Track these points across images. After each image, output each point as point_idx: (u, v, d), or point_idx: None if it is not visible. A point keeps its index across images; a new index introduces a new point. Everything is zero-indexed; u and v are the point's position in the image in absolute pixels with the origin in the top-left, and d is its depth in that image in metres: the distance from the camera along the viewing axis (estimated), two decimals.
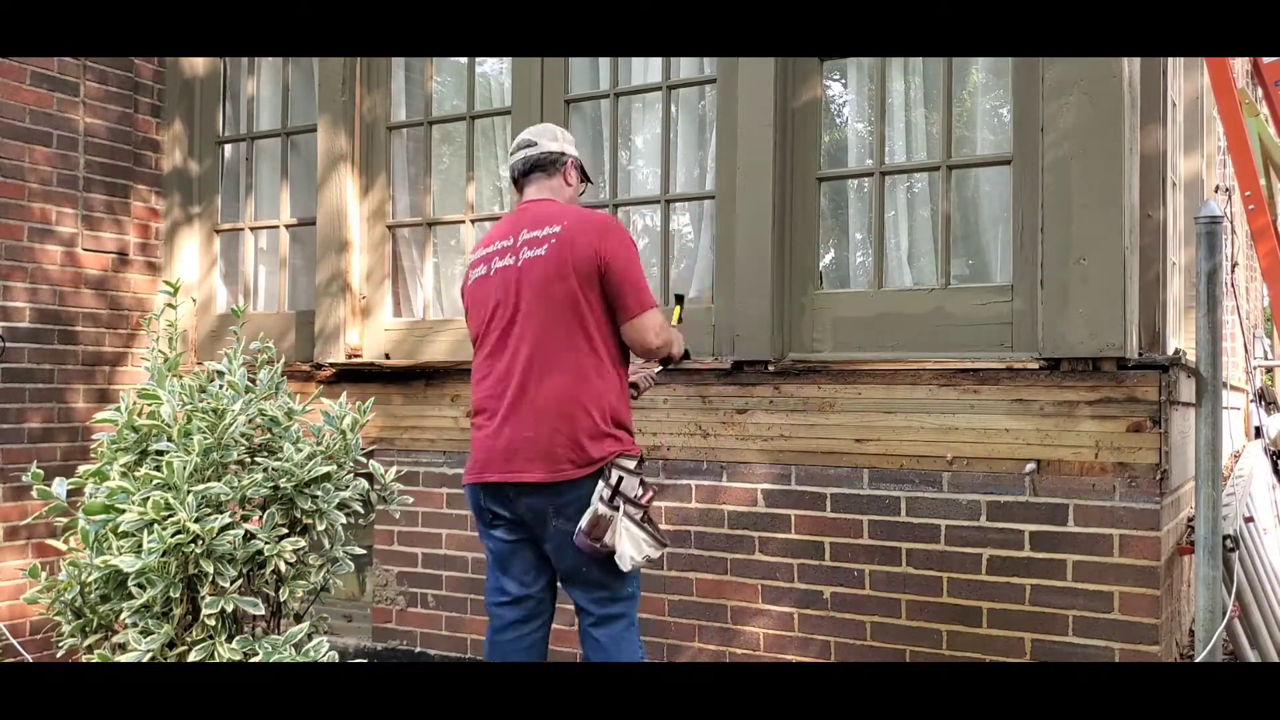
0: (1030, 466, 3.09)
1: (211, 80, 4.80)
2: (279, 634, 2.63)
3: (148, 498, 2.47)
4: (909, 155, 3.60)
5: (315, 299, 4.38)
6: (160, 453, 2.64)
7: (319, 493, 2.81)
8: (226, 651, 2.51)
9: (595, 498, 2.64)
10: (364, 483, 2.98)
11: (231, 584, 2.52)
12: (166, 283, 3.13)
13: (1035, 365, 3.10)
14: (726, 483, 3.56)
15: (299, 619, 2.88)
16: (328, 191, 4.35)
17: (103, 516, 2.54)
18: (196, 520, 2.48)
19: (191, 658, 2.51)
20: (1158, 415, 2.96)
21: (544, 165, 2.89)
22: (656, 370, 3.12)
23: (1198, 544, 2.98)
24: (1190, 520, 3.21)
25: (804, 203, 3.55)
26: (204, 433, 2.65)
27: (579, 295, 2.69)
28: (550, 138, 2.93)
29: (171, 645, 2.57)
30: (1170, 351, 3.46)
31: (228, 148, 4.83)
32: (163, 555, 2.44)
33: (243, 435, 2.76)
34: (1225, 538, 3.07)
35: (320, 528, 2.82)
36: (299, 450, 2.80)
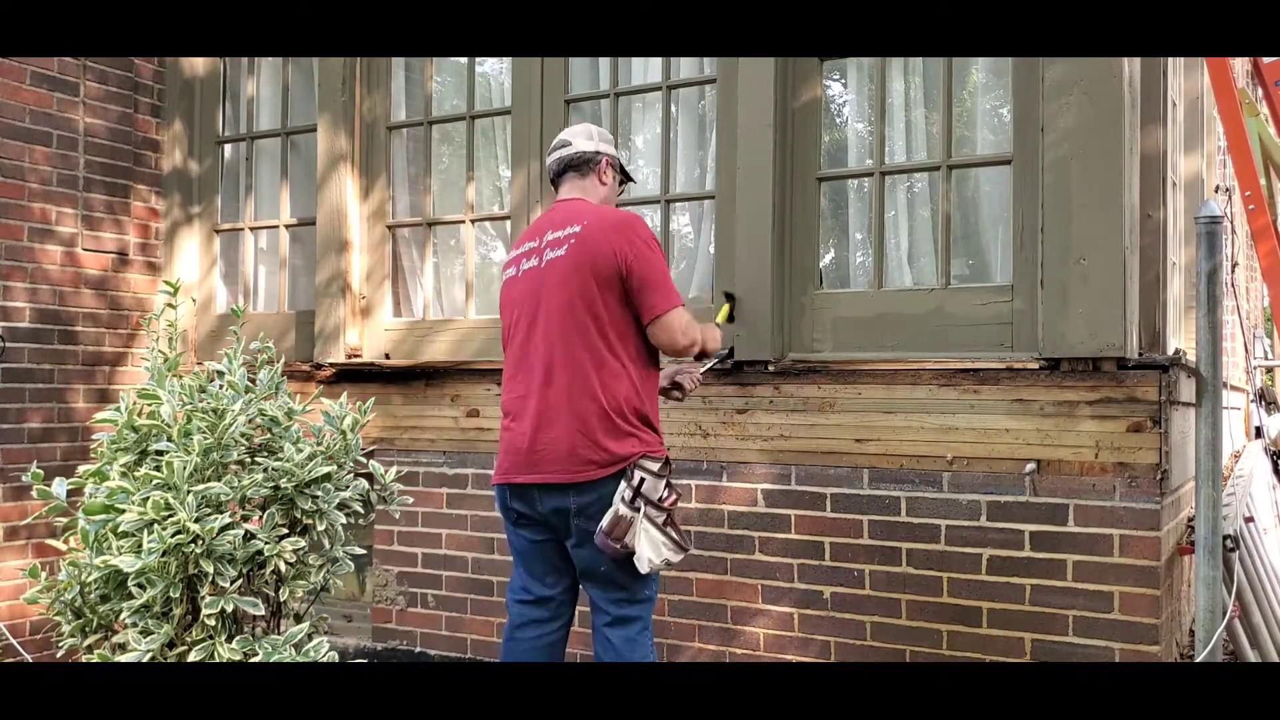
0: (1030, 466, 3.09)
1: (211, 80, 4.80)
2: (279, 634, 2.63)
3: (148, 498, 2.47)
4: (909, 155, 3.60)
5: (315, 299, 4.38)
6: (160, 453, 2.64)
7: (319, 493, 2.81)
8: (226, 651, 2.51)
9: (617, 498, 2.65)
10: (364, 483, 2.98)
11: (231, 584, 2.52)
12: (166, 283, 3.13)
13: (1035, 365, 3.10)
14: (726, 483, 3.56)
15: (299, 619, 2.88)
16: (328, 191, 4.35)
17: (103, 516, 2.54)
18: (196, 520, 2.48)
19: (191, 658, 2.51)
20: (1158, 415, 2.96)
21: (578, 165, 2.91)
22: (702, 370, 3.12)
23: (1198, 544, 2.98)
24: (1190, 520, 3.21)
25: (804, 203, 3.55)
26: (204, 433, 2.65)
27: (597, 295, 2.69)
28: (586, 137, 2.94)
29: (171, 645, 2.57)
30: (1170, 351, 3.46)
31: (228, 148, 4.83)
32: (163, 555, 2.44)
33: (243, 435, 2.76)
34: (1225, 538, 3.07)
35: (320, 528, 2.82)
36: (299, 450, 2.80)
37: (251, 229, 4.73)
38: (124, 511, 2.49)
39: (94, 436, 2.88)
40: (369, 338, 4.36)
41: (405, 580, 4.14)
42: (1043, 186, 3.12)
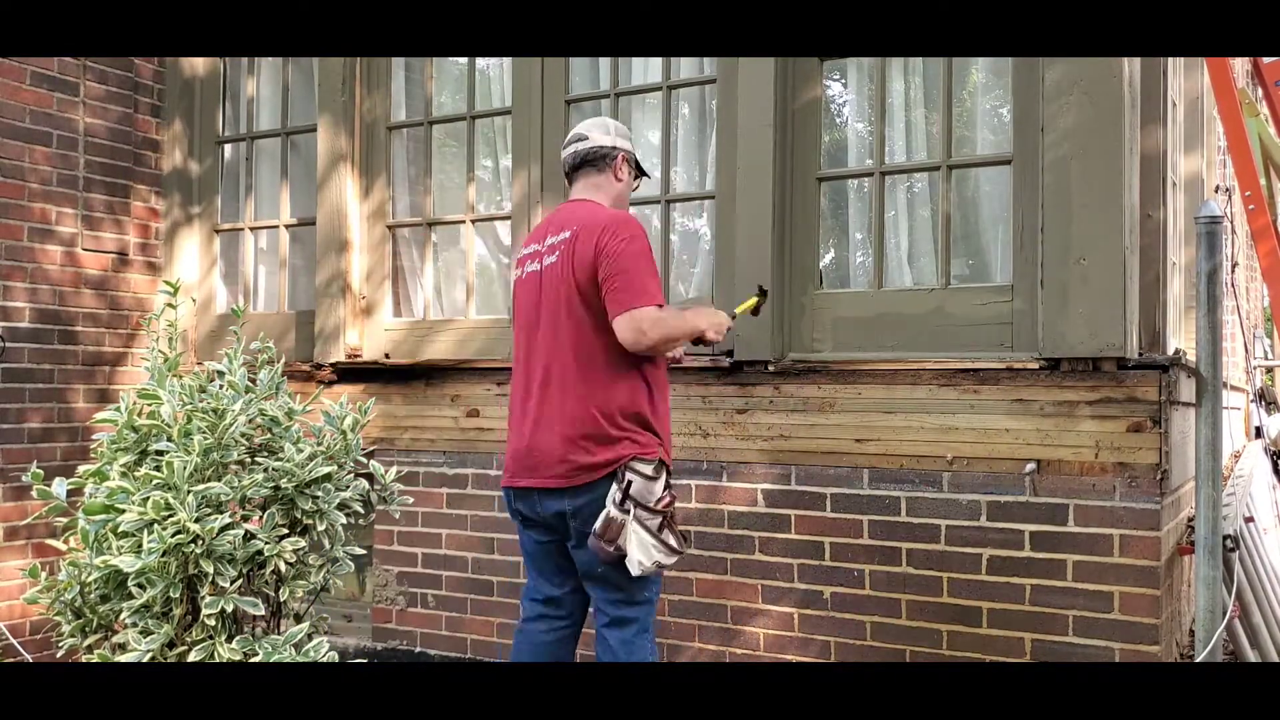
0: (1030, 466, 3.09)
1: (211, 80, 4.80)
2: (279, 634, 2.63)
3: (148, 498, 2.47)
4: (909, 155, 3.60)
5: (315, 299, 4.38)
6: (160, 453, 2.64)
7: (319, 493, 2.82)
8: (226, 651, 2.51)
9: (608, 500, 2.66)
10: (364, 483, 2.98)
11: (231, 584, 2.53)
12: (166, 283, 3.13)
13: (1035, 365, 3.10)
14: (726, 483, 3.56)
15: (299, 619, 2.88)
16: (328, 191, 4.35)
17: (103, 516, 2.54)
18: (196, 520, 2.48)
19: (191, 658, 2.51)
20: (1158, 415, 2.96)
21: (593, 160, 2.89)
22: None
23: (1198, 544, 2.98)
24: (1190, 520, 3.21)
25: (804, 203, 3.55)
26: (204, 433, 2.65)
27: (585, 298, 2.70)
28: (603, 131, 2.92)
29: (171, 645, 2.57)
30: (1170, 351, 3.46)
31: (228, 148, 4.83)
32: (163, 555, 2.44)
33: (243, 435, 2.76)
34: (1225, 538, 3.07)
35: (320, 528, 2.82)
36: (299, 450, 2.80)
37: (251, 229, 4.73)
38: (124, 511, 2.49)
39: (94, 436, 2.88)
40: (369, 338, 4.36)
41: (405, 580, 4.14)
42: (1043, 186, 3.12)
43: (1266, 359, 8.19)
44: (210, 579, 2.51)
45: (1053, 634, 3.07)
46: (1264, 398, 7.71)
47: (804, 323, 3.54)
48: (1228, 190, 5.67)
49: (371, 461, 3.07)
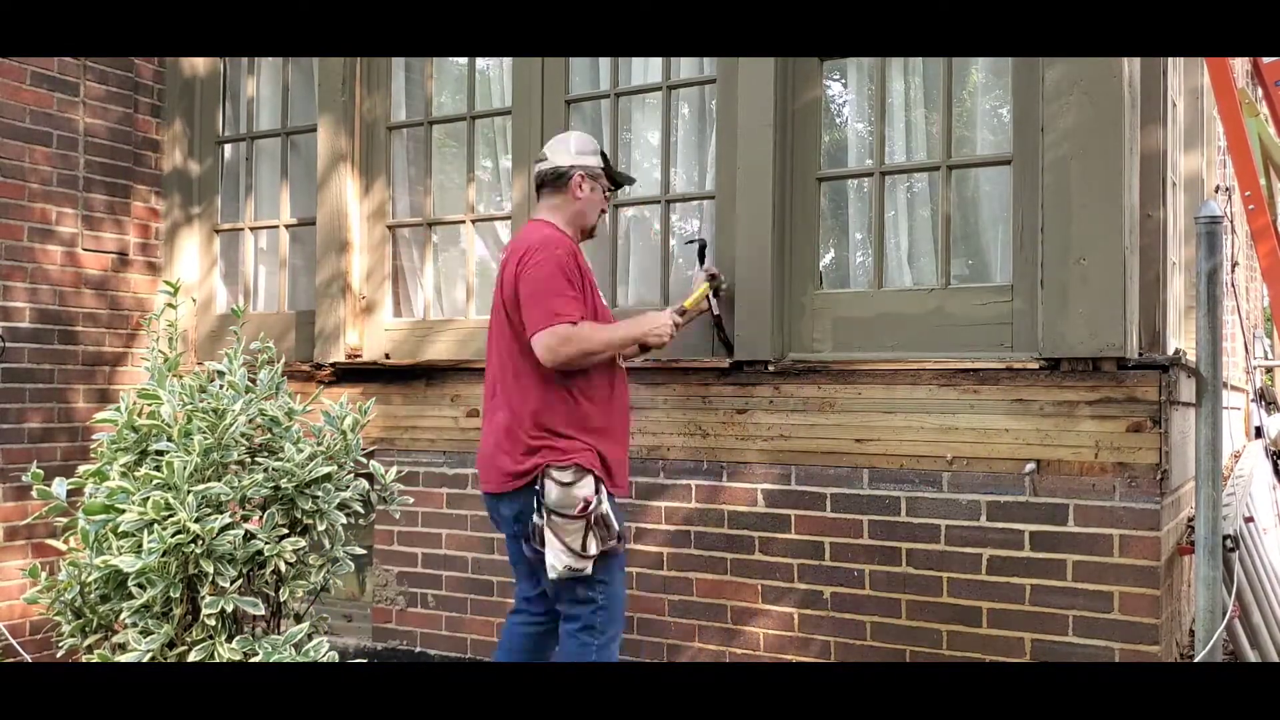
0: (1030, 466, 3.09)
1: (211, 80, 4.80)
2: (279, 634, 2.63)
3: (148, 498, 2.48)
4: (909, 155, 3.60)
5: (315, 299, 4.38)
6: (160, 453, 2.64)
7: (319, 493, 2.82)
8: (226, 651, 2.51)
9: (533, 505, 2.88)
10: (364, 483, 2.98)
11: (231, 584, 2.53)
12: (167, 283, 3.13)
13: (1035, 365, 3.10)
14: (726, 483, 3.56)
15: (299, 619, 2.88)
16: (328, 192, 4.35)
17: (103, 516, 2.54)
18: (197, 520, 2.48)
19: (191, 658, 2.51)
20: (1158, 415, 2.96)
21: (551, 180, 3.05)
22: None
23: (1198, 544, 2.98)
24: (1190, 520, 3.21)
25: (804, 203, 3.55)
26: (204, 433, 2.65)
27: (511, 319, 2.93)
28: (563, 150, 3.07)
29: (171, 645, 2.57)
30: (1170, 351, 3.46)
31: (228, 148, 4.83)
32: (163, 555, 2.44)
33: (243, 435, 2.77)
34: (1225, 538, 3.07)
35: (320, 528, 2.82)
36: (300, 450, 2.80)
37: (251, 229, 4.73)
38: (124, 511, 2.49)
39: (94, 436, 2.88)
40: (369, 338, 4.36)
41: (405, 580, 4.14)
42: (1043, 186, 3.12)
43: (1266, 359, 8.19)
44: (210, 579, 2.51)
45: (1053, 634, 3.07)
46: (1264, 398, 7.71)
47: (804, 323, 3.54)
48: (1228, 190, 5.67)
49: (371, 461, 3.08)
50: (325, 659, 2.59)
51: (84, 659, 2.72)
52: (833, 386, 3.39)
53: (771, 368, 3.47)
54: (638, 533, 3.67)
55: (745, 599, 3.51)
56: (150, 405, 2.68)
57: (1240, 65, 5.64)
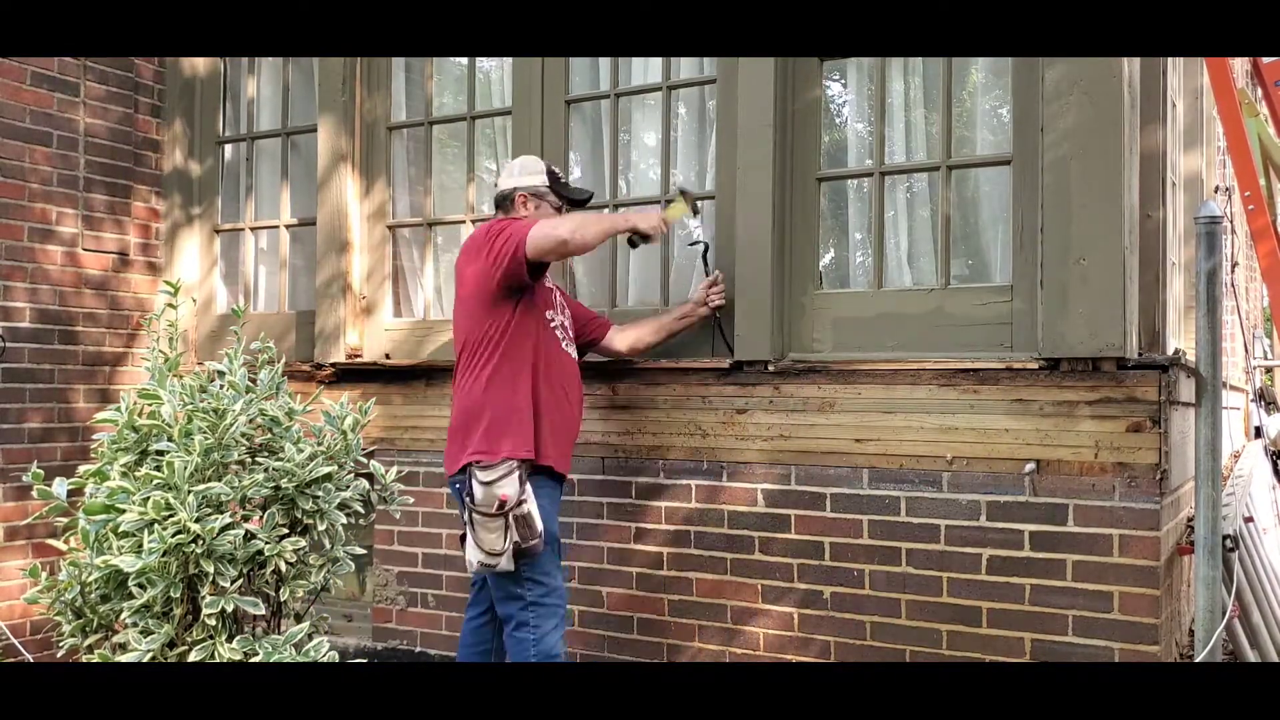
0: (1030, 466, 3.09)
1: (211, 80, 4.80)
2: (279, 634, 2.64)
3: (148, 498, 2.48)
4: (909, 155, 3.60)
5: (315, 299, 4.38)
6: (161, 453, 2.65)
7: (320, 493, 2.82)
8: (227, 651, 2.51)
9: (462, 501, 3.00)
10: (364, 483, 2.99)
11: (232, 584, 2.53)
12: (167, 283, 3.13)
13: (1035, 365, 3.10)
14: (726, 483, 3.56)
15: (299, 619, 2.89)
16: (328, 192, 4.35)
17: (103, 516, 2.54)
18: (197, 520, 2.48)
19: (192, 658, 2.51)
20: (1157, 415, 2.96)
21: (499, 203, 3.32)
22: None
23: (1198, 544, 2.98)
24: (1190, 520, 3.21)
25: (804, 203, 3.55)
26: (204, 433, 2.65)
27: (460, 315, 3.10)
28: (507, 175, 3.31)
29: (171, 645, 2.57)
30: (1170, 351, 3.46)
31: (228, 148, 4.83)
32: (163, 555, 2.45)
33: (243, 435, 2.77)
34: (1225, 538, 3.07)
35: (321, 528, 2.82)
36: (300, 450, 2.80)
37: (252, 229, 4.73)
38: (124, 511, 2.49)
39: (94, 436, 2.88)
40: (369, 338, 4.36)
41: (405, 580, 4.14)
42: (1042, 187, 3.12)
43: (1266, 359, 8.19)
44: (211, 579, 2.51)
45: (1052, 634, 3.07)
46: (1264, 398, 7.71)
47: (804, 323, 3.54)
48: (1228, 190, 5.67)
49: (372, 461, 3.08)
50: (325, 659, 2.59)
51: (84, 659, 2.72)
52: (833, 386, 3.39)
53: (771, 368, 3.47)
54: (638, 533, 3.68)
55: (745, 599, 3.51)
56: (150, 405, 2.69)
57: (1240, 65, 5.64)
